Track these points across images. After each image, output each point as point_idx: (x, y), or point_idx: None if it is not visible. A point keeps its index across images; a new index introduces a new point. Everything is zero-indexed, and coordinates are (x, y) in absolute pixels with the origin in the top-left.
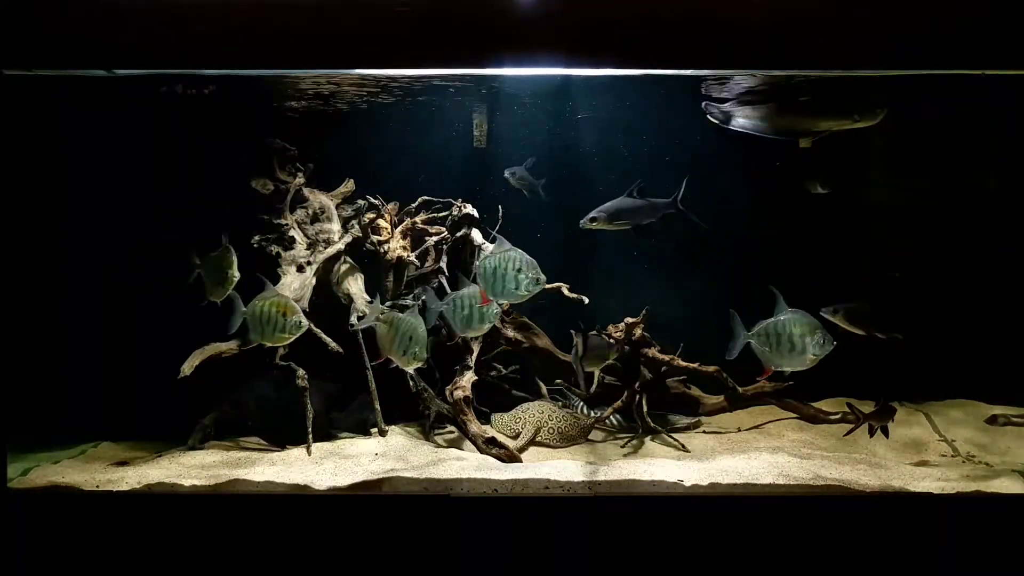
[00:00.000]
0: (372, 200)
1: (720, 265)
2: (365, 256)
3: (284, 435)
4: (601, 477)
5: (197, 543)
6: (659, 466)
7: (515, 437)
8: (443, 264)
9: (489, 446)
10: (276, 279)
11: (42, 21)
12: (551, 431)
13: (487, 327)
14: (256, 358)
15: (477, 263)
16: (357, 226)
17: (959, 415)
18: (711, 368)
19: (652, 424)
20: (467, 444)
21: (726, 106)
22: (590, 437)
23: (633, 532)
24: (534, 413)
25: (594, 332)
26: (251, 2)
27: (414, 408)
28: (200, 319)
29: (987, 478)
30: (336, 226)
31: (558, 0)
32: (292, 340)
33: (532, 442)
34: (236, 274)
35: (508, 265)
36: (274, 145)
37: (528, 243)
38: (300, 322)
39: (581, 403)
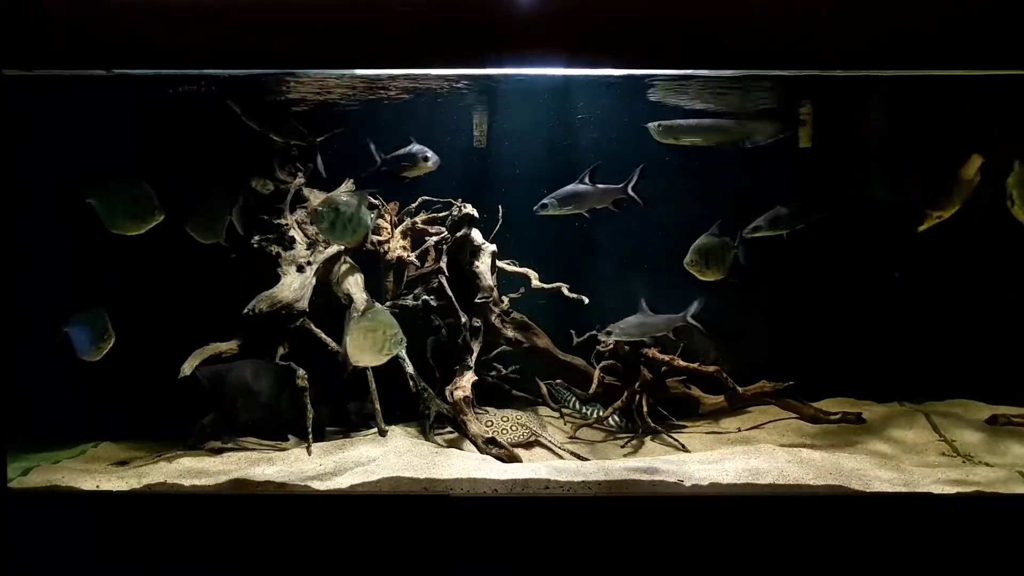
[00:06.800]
0: (372, 200)
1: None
2: (365, 256)
3: (277, 435)
4: (601, 477)
5: (197, 543)
6: (659, 466)
7: (521, 442)
8: (443, 264)
9: (489, 446)
10: (276, 279)
11: (42, 21)
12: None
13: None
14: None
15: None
16: None
17: (959, 415)
18: (711, 368)
19: (652, 424)
20: (467, 444)
21: None
22: (591, 437)
23: (633, 532)
24: (523, 419)
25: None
26: (251, 2)
27: (414, 408)
28: (200, 319)
29: (987, 478)
30: None
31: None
32: None
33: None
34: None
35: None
36: (274, 145)
37: (529, 243)
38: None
39: (574, 399)
